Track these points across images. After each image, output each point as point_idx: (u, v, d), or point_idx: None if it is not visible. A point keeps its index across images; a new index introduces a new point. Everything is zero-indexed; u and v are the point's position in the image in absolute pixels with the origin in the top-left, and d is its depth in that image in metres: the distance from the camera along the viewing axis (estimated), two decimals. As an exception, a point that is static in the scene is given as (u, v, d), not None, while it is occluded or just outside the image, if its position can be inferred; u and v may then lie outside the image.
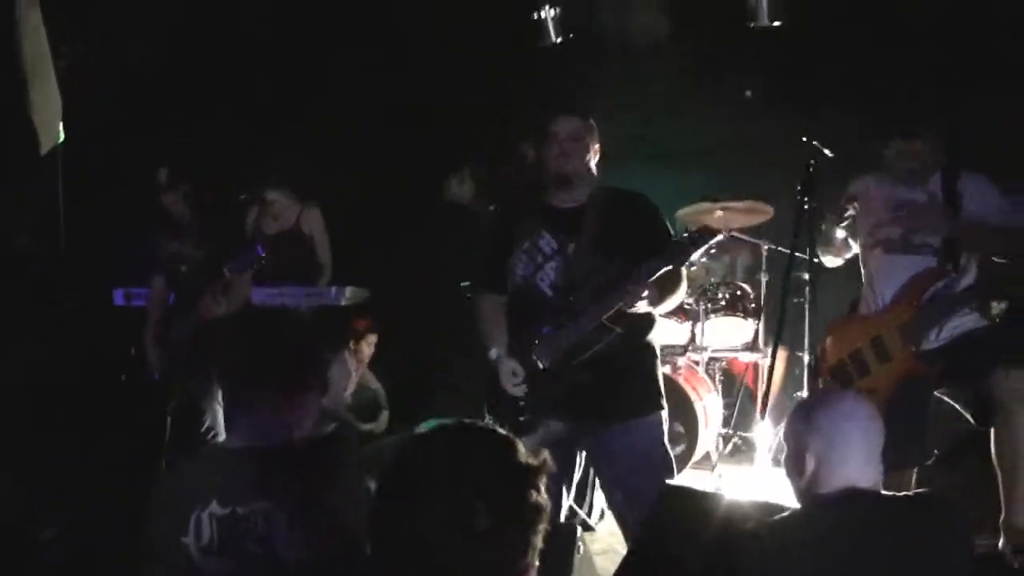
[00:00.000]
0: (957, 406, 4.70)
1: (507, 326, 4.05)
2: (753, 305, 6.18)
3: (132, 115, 6.48)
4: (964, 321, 4.20)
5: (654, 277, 3.74)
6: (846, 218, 4.35)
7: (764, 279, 6.11)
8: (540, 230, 4.00)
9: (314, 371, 2.69)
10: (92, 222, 6.69)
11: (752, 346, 6.21)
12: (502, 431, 1.70)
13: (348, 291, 5.84)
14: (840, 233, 4.42)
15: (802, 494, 2.54)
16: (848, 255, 4.57)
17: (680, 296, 4.05)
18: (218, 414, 5.35)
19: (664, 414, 4.04)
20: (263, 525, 2.48)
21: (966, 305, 4.19)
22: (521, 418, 3.97)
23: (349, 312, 6.09)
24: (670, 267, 3.76)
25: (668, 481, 3.76)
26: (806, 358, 6.39)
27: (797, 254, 6.25)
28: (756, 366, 6.32)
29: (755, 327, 6.16)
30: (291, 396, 2.63)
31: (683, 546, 2.75)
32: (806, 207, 4.21)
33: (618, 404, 3.93)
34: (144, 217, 5.55)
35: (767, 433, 6.14)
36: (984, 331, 4.20)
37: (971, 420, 4.34)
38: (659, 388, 4.07)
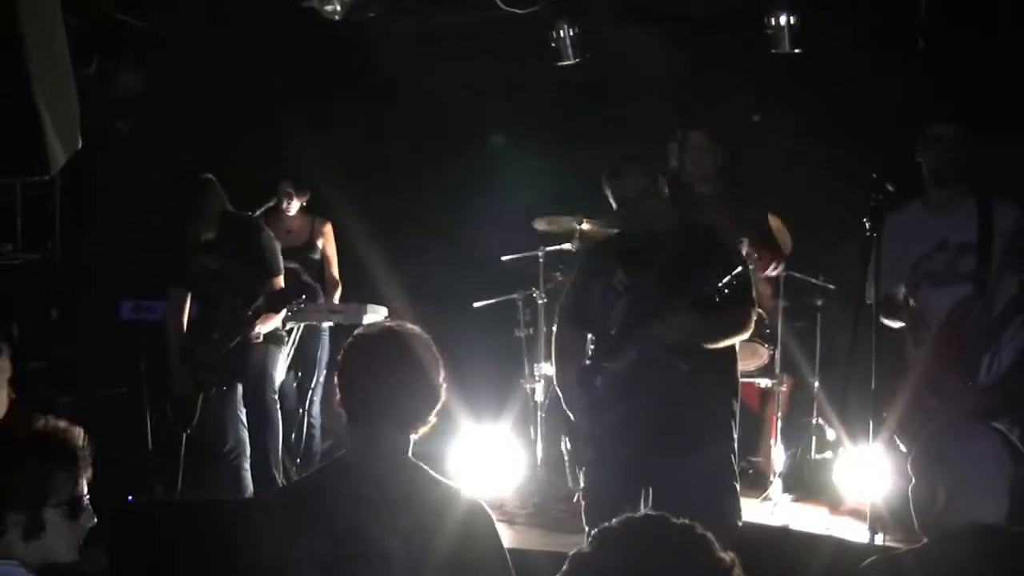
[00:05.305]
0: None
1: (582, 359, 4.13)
2: (768, 330, 6.17)
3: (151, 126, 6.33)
4: (1017, 339, 4.11)
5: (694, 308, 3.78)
6: None
7: (781, 305, 6.11)
8: (616, 268, 4.07)
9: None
10: (99, 232, 6.55)
11: (767, 371, 6.20)
12: (696, 529, 1.60)
13: (368, 308, 5.77)
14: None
15: (929, 527, 2.53)
16: None
17: (743, 328, 4.03)
18: (241, 433, 5.25)
19: (732, 451, 4.02)
20: (378, 547, 2.40)
21: (1010, 323, 4.11)
22: (583, 447, 4.04)
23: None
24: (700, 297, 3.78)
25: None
26: (816, 384, 6.45)
27: (812, 280, 6.42)
28: (770, 391, 6.30)
29: (771, 352, 6.15)
30: (423, 414, 2.58)
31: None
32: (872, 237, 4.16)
33: (677, 437, 3.93)
34: (164, 228, 5.44)
35: (779, 458, 6.15)
36: None
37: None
38: (726, 424, 4.05)
